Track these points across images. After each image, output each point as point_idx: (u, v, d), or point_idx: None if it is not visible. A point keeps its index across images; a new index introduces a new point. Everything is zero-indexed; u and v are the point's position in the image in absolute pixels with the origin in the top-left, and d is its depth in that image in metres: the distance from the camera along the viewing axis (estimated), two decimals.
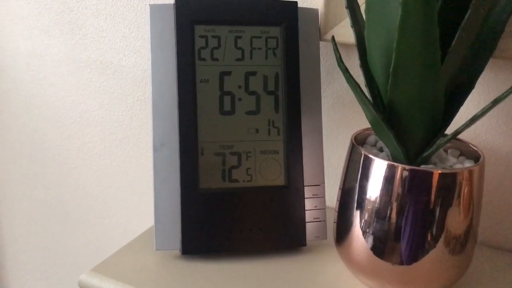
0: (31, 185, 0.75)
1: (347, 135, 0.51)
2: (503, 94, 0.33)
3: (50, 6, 0.64)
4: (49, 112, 0.69)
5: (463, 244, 0.38)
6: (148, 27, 0.58)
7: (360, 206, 0.39)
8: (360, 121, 0.46)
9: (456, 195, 0.36)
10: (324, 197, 0.46)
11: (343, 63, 0.36)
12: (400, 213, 0.37)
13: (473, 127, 0.44)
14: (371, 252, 0.39)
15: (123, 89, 0.63)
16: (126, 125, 0.65)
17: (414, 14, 0.30)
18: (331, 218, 0.44)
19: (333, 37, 0.37)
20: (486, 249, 0.47)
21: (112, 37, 0.61)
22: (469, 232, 0.38)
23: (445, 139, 0.35)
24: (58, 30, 0.64)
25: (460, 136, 0.40)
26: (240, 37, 0.44)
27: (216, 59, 0.44)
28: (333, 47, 0.37)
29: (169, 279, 0.40)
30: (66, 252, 0.77)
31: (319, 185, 0.46)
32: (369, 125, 0.42)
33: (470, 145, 0.40)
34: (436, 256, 0.37)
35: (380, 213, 0.38)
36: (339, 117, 0.51)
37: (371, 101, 0.37)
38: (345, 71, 0.36)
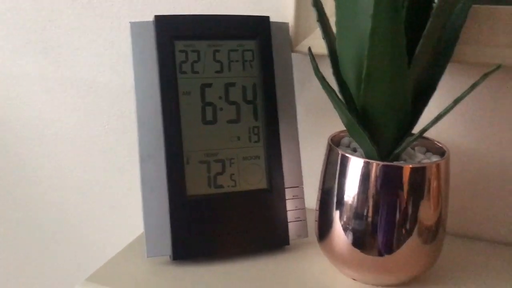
0: (5, 205, 0.75)
1: (321, 139, 0.54)
2: (462, 94, 0.37)
3: (21, 26, 0.65)
4: (23, 131, 0.69)
5: (434, 234, 0.42)
6: (123, 44, 0.60)
7: (340, 203, 0.42)
8: (331, 126, 0.49)
9: (426, 188, 0.40)
10: (303, 198, 0.49)
11: (319, 71, 0.39)
12: (376, 207, 0.40)
13: (436, 127, 0.48)
14: (351, 246, 0.42)
15: (99, 105, 0.64)
16: (103, 141, 0.66)
17: (383, 25, 0.34)
18: (311, 217, 0.47)
19: (309, 48, 0.40)
20: (453, 238, 0.51)
21: (86, 54, 0.63)
22: (439, 223, 0.42)
23: (414, 137, 0.39)
24: (31, 50, 0.65)
25: (425, 135, 0.44)
26: (218, 51, 0.47)
27: (197, 72, 0.46)
28: (310, 57, 0.40)
29: (163, 284, 0.42)
30: (42, 272, 0.76)
31: (298, 186, 0.49)
32: (341, 128, 0.45)
33: (435, 142, 0.44)
34: (411, 246, 0.41)
35: (358, 209, 0.41)
36: (313, 123, 0.55)
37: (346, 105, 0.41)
38: (322, 79, 0.39)
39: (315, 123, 0.55)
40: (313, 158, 0.54)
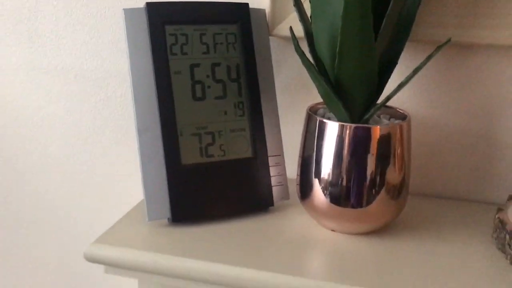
0: None
1: (296, 114, 0.60)
2: (420, 64, 0.44)
3: (6, 17, 0.67)
4: (8, 119, 0.72)
5: (400, 189, 0.48)
6: (108, 32, 0.64)
7: (318, 164, 0.48)
8: (305, 102, 0.55)
9: (392, 147, 0.46)
10: (284, 165, 0.55)
11: (300, 48, 0.45)
12: (350, 166, 0.47)
13: (399, 98, 0.55)
14: (330, 202, 0.48)
15: (86, 91, 0.68)
16: (90, 125, 0.69)
17: (354, 6, 0.40)
18: (290, 185, 0.53)
19: (290, 27, 0.46)
20: (417, 196, 0.58)
21: (72, 43, 0.66)
22: (404, 178, 0.49)
23: (381, 103, 0.46)
24: (15, 40, 0.68)
25: (389, 104, 0.50)
26: (204, 34, 0.52)
27: (186, 53, 0.51)
28: (291, 35, 0.46)
29: (164, 242, 0.47)
30: (26, 262, 0.79)
31: (279, 155, 0.55)
32: (316, 101, 0.52)
33: (398, 109, 0.51)
34: (381, 200, 0.47)
35: (334, 168, 0.47)
36: (290, 99, 0.61)
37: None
38: (302, 55, 0.45)
39: (291, 99, 0.61)
40: (290, 131, 0.60)
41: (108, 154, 0.70)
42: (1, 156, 0.75)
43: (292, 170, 0.55)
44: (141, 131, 0.50)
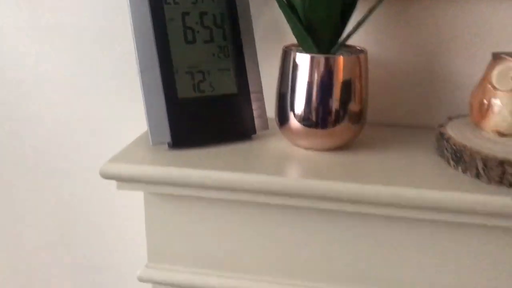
0: None
1: (274, 55, 0.70)
2: (374, 4, 0.54)
3: None
4: (8, 76, 0.79)
5: (359, 113, 0.59)
6: None
7: (293, 93, 0.58)
8: (280, 46, 0.64)
9: (353, 76, 0.57)
10: (263, 100, 0.64)
11: None
12: (320, 93, 0.57)
13: (358, 39, 0.65)
14: (303, 125, 0.58)
15: (83, 45, 0.75)
16: (88, 79, 0.77)
17: None
18: (270, 115, 0.63)
19: None
20: (369, 124, 0.69)
21: (69, 2, 0.73)
22: (363, 104, 0.59)
23: (343, 38, 0.56)
24: (14, 1, 0.75)
25: (350, 43, 0.61)
26: None
27: (178, 3, 0.60)
28: None
29: (166, 161, 0.56)
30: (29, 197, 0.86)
31: (260, 92, 0.64)
32: (289, 43, 0.61)
33: (357, 47, 0.61)
34: (344, 122, 0.58)
35: (307, 96, 0.57)
36: (266, 44, 0.70)
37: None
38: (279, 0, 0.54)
39: (267, 44, 0.70)
40: (269, 69, 0.69)
41: (107, 101, 0.78)
42: (3, 110, 0.81)
43: (270, 107, 0.65)
44: (143, 71, 0.58)
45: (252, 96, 0.64)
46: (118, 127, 0.79)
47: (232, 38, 0.62)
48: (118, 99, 0.78)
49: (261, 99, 0.64)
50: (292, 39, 0.61)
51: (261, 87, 0.64)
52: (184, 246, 0.61)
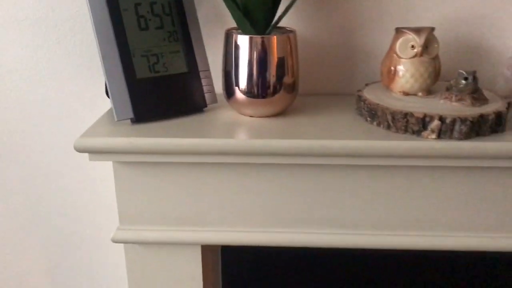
0: None
1: (216, 36, 0.79)
2: None
3: None
4: None
5: (293, 84, 0.70)
6: None
7: (237, 69, 0.68)
8: (222, 30, 0.74)
9: (286, 52, 0.68)
10: (211, 77, 0.74)
11: None
12: (259, 68, 0.67)
13: (288, 22, 0.76)
14: (247, 96, 0.69)
15: (41, 34, 0.81)
16: (48, 63, 0.83)
17: None
18: (217, 90, 0.73)
19: None
20: (300, 95, 0.81)
21: None
22: (295, 76, 0.70)
23: (275, 20, 0.67)
24: None
25: (281, 26, 0.72)
26: None
27: None
28: None
29: (131, 132, 0.65)
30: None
31: (207, 70, 0.74)
32: (231, 26, 0.71)
33: (287, 28, 0.73)
34: (280, 92, 0.69)
35: (249, 72, 0.68)
36: (210, 27, 0.80)
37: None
38: None
39: (210, 28, 0.80)
40: (213, 49, 0.79)
41: (71, 84, 0.85)
42: None
43: (217, 83, 0.75)
44: (104, 56, 0.66)
45: (201, 74, 0.73)
46: (81, 107, 0.86)
47: (180, 24, 0.72)
48: (81, 82, 0.84)
49: (209, 76, 0.74)
50: (232, 23, 0.71)
51: (208, 66, 0.74)
52: (151, 208, 0.70)
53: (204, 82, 0.73)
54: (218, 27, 0.79)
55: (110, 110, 0.73)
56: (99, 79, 0.83)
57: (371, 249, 0.72)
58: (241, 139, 0.63)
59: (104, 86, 0.74)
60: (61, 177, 0.91)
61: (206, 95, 0.74)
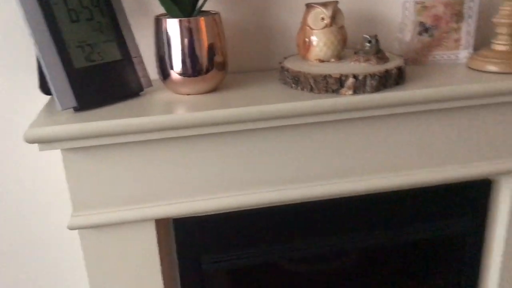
0: None
1: (143, 23, 0.84)
2: None
3: None
4: None
5: (223, 62, 0.77)
6: None
7: (169, 51, 0.74)
8: (150, 17, 0.79)
9: (214, 32, 0.74)
10: (143, 63, 0.79)
11: None
12: (190, 49, 0.73)
13: (213, 6, 0.82)
14: (182, 76, 0.75)
15: None
16: None
17: None
18: (152, 73, 0.78)
19: None
20: (235, 73, 0.88)
21: None
22: (224, 55, 0.77)
23: (200, 5, 0.73)
24: None
25: (206, 10, 0.78)
26: None
27: None
28: None
29: (76, 119, 0.68)
30: None
31: (139, 56, 0.78)
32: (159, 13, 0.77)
33: (211, 11, 0.79)
34: (212, 70, 0.76)
35: (182, 53, 0.73)
36: (135, 15, 0.84)
37: None
38: None
39: (136, 17, 0.84)
40: (143, 36, 0.84)
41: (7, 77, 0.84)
42: None
43: (150, 67, 0.80)
44: (41, 50, 0.68)
45: (134, 60, 0.78)
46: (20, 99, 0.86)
47: (109, 15, 0.75)
48: (17, 75, 0.84)
49: (141, 62, 0.79)
50: (156, 11, 0.76)
51: (140, 52, 0.79)
52: (103, 191, 0.74)
53: (137, 67, 0.78)
54: (142, 14, 0.83)
55: (49, 103, 0.75)
56: (27, 77, 0.84)
57: (307, 201, 0.81)
58: (181, 114, 0.69)
59: (37, 82, 0.76)
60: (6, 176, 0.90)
61: (141, 80, 0.78)
